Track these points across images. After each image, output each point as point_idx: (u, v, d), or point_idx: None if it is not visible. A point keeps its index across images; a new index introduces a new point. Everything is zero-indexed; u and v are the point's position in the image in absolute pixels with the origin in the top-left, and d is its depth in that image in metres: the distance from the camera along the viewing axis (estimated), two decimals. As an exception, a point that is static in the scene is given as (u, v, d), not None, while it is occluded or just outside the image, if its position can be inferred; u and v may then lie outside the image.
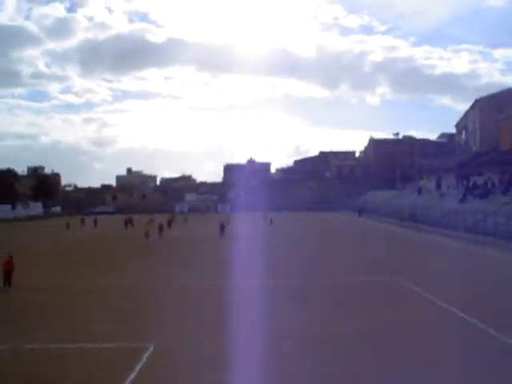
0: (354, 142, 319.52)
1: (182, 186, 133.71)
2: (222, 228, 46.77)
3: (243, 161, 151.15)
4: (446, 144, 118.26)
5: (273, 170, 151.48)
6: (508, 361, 11.49)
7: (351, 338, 13.60)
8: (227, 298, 19.02)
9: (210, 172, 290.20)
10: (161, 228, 47.28)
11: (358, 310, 16.84)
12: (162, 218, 56.77)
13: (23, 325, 15.61)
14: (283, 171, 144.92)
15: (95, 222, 64.26)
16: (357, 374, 10.89)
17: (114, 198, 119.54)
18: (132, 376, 10.92)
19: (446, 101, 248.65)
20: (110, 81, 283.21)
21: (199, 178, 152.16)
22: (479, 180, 54.64)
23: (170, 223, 56.01)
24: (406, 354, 12.20)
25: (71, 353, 12.79)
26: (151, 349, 12.79)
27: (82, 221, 66.09)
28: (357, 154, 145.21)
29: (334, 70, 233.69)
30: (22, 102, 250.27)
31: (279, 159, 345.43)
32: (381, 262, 27.94)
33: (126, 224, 58.12)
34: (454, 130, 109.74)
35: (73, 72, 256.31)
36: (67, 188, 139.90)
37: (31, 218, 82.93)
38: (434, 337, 13.54)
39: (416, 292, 19.63)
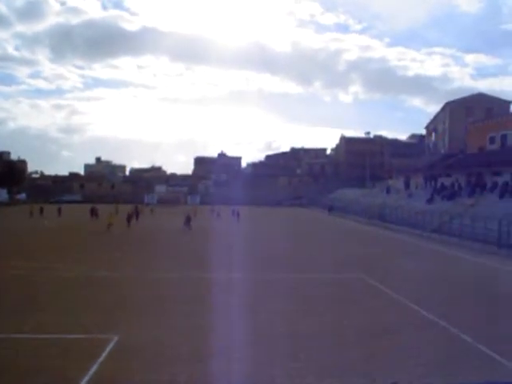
0: (326, 139, 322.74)
1: (151, 176, 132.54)
2: (188, 220, 46.51)
3: (215, 154, 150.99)
4: (415, 145, 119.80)
5: (244, 164, 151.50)
6: (466, 358, 11.64)
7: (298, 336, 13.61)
8: (190, 290, 18.98)
9: (180, 164, 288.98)
10: (129, 219, 46.80)
11: (317, 306, 16.93)
12: (129, 209, 56.00)
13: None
14: (254, 166, 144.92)
15: (59, 210, 61.37)
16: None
17: (82, 186, 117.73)
18: (94, 367, 10.79)
19: (417, 102, 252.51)
20: (81, 67, 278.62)
21: (169, 169, 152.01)
22: (447, 181, 55.59)
23: (137, 214, 54.54)
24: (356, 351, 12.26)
25: (33, 343, 12.57)
26: (115, 339, 12.66)
27: (41, 210, 61.57)
28: (328, 152, 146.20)
29: (309, 67, 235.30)
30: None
31: (251, 154, 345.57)
32: (346, 259, 28.14)
33: (92, 214, 55.76)
34: (424, 132, 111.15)
35: (43, 56, 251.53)
36: (34, 175, 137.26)
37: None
38: (392, 334, 13.69)
39: (378, 289, 19.82)
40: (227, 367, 10.95)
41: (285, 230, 46.56)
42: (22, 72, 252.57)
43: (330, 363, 11.31)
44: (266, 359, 11.46)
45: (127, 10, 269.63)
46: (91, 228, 45.41)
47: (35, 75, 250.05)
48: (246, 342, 12.68)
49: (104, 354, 11.62)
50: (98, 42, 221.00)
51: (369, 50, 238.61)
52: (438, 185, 56.74)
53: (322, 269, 24.85)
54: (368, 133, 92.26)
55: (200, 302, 17.18)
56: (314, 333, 13.69)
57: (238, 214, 59.92)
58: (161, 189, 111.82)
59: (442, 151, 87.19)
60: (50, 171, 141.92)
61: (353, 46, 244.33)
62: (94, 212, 56.32)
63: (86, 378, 10.19)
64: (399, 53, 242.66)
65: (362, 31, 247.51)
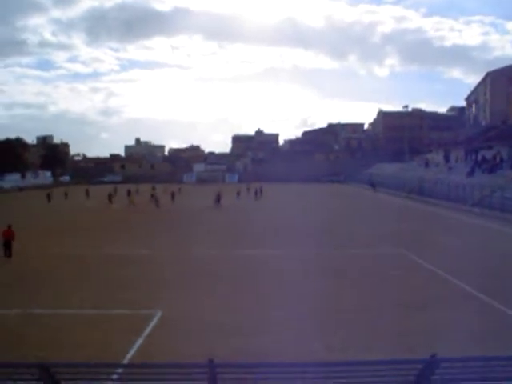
0: (363, 114, 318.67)
1: (190, 156, 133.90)
2: (218, 199, 47.48)
3: (251, 132, 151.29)
4: (455, 117, 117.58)
5: (281, 141, 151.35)
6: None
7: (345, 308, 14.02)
8: (235, 266, 19.65)
9: (218, 142, 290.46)
10: (157, 199, 48.11)
11: (359, 281, 17.25)
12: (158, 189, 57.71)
13: (33, 291, 16.02)
14: (291, 143, 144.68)
15: (87, 192, 61.88)
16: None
17: (123, 167, 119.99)
18: (139, 341, 11.33)
19: (456, 73, 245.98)
20: (116, 50, 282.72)
21: (207, 148, 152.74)
22: (488, 154, 54.52)
23: (172, 194, 54.69)
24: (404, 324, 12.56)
25: (81, 319, 13.22)
26: (159, 314, 13.22)
27: (66, 194, 60.98)
28: (365, 127, 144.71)
29: (343, 41, 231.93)
30: (30, 71, 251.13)
31: (287, 131, 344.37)
32: (386, 234, 28.17)
33: (110, 198, 52.39)
34: (464, 104, 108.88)
35: (79, 41, 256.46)
36: (76, 157, 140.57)
37: (41, 187, 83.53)
38: (435, 308, 13.87)
39: (418, 263, 19.98)
40: (268, 341, 11.22)
41: (324, 206, 46.77)
42: (59, 57, 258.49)
43: (370, 337, 11.54)
44: (308, 333, 11.76)
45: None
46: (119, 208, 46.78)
47: (73, 59, 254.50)
48: (287, 317, 12.95)
49: (149, 328, 12.15)
50: (132, 23, 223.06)
51: (404, 21, 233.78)
52: (479, 158, 55.72)
53: (363, 244, 24.97)
54: (406, 106, 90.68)
55: (241, 279, 17.69)
56: (356, 307, 13.96)
57: (261, 192, 60.47)
58: (199, 168, 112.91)
59: (483, 123, 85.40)
60: (91, 153, 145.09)
61: (387, 18, 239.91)
62: (112, 194, 54.62)
63: (132, 351, 10.70)
64: (436, 23, 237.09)
65: (397, 2, 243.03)
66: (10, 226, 21.42)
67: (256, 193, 59.11)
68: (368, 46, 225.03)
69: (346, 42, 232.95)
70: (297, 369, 4.19)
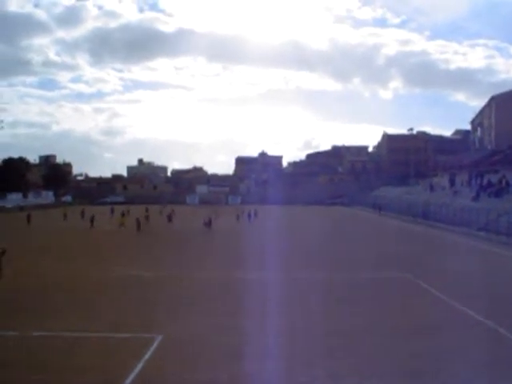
0: (367, 136, 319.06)
1: (193, 177, 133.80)
2: (209, 222, 46.44)
3: (255, 153, 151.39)
4: (460, 141, 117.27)
5: (284, 163, 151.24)
6: None
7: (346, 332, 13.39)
8: (231, 290, 19.06)
9: (221, 164, 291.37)
10: (138, 222, 45.14)
11: (363, 305, 16.70)
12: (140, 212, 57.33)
13: (32, 313, 15.53)
14: (295, 165, 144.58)
15: (82, 213, 59.25)
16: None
17: (125, 188, 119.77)
18: (139, 365, 10.86)
19: (460, 97, 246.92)
20: (120, 70, 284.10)
21: (210, 169, 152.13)
22: (494, 178, 53.95)
23: (169, 216, 54.93)
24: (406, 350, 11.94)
25: (80, 341, 12.78)
26: (159, 338, 12.76)
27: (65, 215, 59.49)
28: (370, 149, 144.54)
29: (347, 63, 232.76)
30: (33, 91, 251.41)
31: (290, 153, 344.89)
32: (391, 258, 27.57)
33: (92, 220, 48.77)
34: (468, 127, 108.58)
35: (83, 61, 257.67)
36: (78, 177, 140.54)
37: (42, 207, 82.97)
38: (438, 334, 13.33)
39: (424, 289, 19.44)
40: (267, 367, 10.84)
41: (328, 230, 46.22)
42: (63, 77, 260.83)
43: (374, 363, 11.10)
44: (307, 359, 11.29)
45: (163, 11, 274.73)
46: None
47: (76, 79, 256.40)
48: (286, 342, 12.56)
49: (149, 353, 11.70)
50: (136, 44, 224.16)
51: (408, 43, 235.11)
52: (485, 182, 55.12)
53: (367, 268, 24.44)
54: (411, 129, 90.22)
55: (241, 301, 17.13)
56: (359, 331, 13.51)
57: (255, 215, 59.28)
58: (202, 189, 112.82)
59: (489, 147, 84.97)
60: (93, 173, 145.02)
61: (391, 41, 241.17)
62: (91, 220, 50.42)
63: (132, 376, 10.24)
64: (440, 46, 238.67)
65: (401, 25, 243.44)
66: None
67: (249, 215, 57.75)
68: (372, 68, 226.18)
69: (350, 64, 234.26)
70: None
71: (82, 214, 58.93)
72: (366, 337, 13.09)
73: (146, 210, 58.97)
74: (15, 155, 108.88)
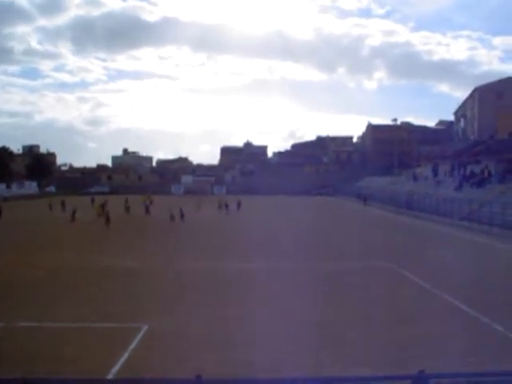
0: (352, 127, 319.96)
1: (178, 167, 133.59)
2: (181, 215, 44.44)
3: (240, 143, 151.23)
4: (444, 131, 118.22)
5: (270, 153, 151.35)
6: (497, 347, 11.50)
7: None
8: (217, 280, 19.26)
9: (206, 154, 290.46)
10: (107, 215, 41.15)
11: (346, 294, 16.94)
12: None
13: (17, 304, 15.58)
14: (280, 155, 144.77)
15: (62, 204, 58.29)
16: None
17: (110, 178, 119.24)
18: (125, 355, 11.02)
19: (444, 88, 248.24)
20: (104, 60, 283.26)
21: (195, 159, 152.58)
22: (476, 168, 54.62)
23: (147, 207, 52.80)
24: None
25: (66, 331, 12.87)
26: (145, 328, 12.88)
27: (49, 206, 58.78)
28: (354, 140, 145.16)
29: (332, 54, 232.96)
30: (15, 80, 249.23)
31: (275, 143, 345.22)
32: (374, 248, 27.87)
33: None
34: (452, 118, 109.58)
35: (66, 50, 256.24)
36: (62, 167, 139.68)
37: (26, 197, 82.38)
38: (420, 322, 13.60)
39: (406, 277, 19.73)
40: (253, 356, 10.97)
41: (313, 220, 46.46)
42: (46, 66, 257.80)
43: (358, 352, 11.28)
44: (292, 349, 11.42)
45: (146, 0, 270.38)
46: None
47: (59, 68, 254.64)
48: (272, 332, 12.71)
49: (135, 343, 11.85)
50: (119, 33, 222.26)
51: (393, 34, 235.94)
52: (467, 172, 55.79)
53: (350, 257, 24.67)
54: (395, 120, 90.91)
55: (229, 292, 17.34)
56: (343, 322, 13.75)
57: (238, 206, 57.49)
58: (187, 179, 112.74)
59: (472, 137, 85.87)
60: (78, 163, 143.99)
61: (376, 31, 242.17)
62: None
63: (118, 366, 10.38)
64: (424, 37, 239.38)
65: (385, 16, 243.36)
66: None
67: (226, 206, 55.57)
68: (357, 59, 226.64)
69: (334, 54, 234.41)
70: None
71: (63, 204, 57.72)
72: (349, 326, 13.31)
73: (126, 201, 56.90)
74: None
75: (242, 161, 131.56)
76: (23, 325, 13.29)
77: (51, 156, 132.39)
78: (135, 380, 3.65)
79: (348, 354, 11.20)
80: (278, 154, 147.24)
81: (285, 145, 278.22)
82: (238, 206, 56.98)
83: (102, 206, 50.87)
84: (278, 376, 9.22)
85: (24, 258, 23.93)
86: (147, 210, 51.60)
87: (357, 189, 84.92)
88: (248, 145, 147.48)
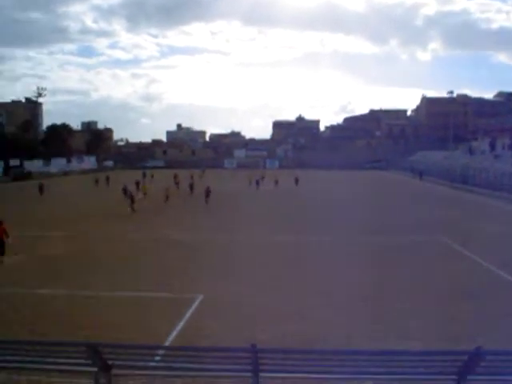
0: (405, 100, 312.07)
1: (231, 142, 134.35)
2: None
3: (291, 117, 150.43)
4: (502, 103, 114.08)
5: (322, 127, 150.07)
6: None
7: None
8: (270, 253, 19.76)
9: (258, 128, 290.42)
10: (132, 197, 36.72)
11: (400, 268, 17.06)
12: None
13: (79, 274, 16.51)
14: (332, 129, 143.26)
15: (107, 179, 58.73)
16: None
17: (164, 152, 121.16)
18: (181, 323, 11.54)
19: (503, 57, 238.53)
20: (156, 36, 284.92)
21: (248, 134, 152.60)
22: (537, 141, 52.86)
23: (191, 185, 47.75)
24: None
25: (124, 300, 13.57)
26: (200, 298, 13.42)
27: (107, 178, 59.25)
28: (408, 113, 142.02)
29: (384, 25, 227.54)
30: (72, 58, 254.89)
31: (327, 117, 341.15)
32: (429, 222, 27.74)
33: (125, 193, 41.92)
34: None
35: (120, 27, 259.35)
36: (119, 143, 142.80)
37: (85, 172, 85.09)
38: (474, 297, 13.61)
39: (460, 252, 19.70)
40: (305, 328, 11.28)
41: (369, 195, 46.17)
42: (101, 43, 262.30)
43: (412, 326, 11.41)
44: (347, 322, 11.71)
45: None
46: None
47: (113, 46, 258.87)
48: (326, 304, 13.00)
49: (190, 312, 12.36)
50: (171, 9, 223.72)
51: (448, 3, 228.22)
52: (527, 145, 54.11)
53: (406, 231, 24.71)
54: (451, 92, 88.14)
55: (283, 265, 17.76)
56: (397, 295, 13.92)
57: (276, 182, 54.93)
58: (240, 154, 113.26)
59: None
60: (133, 139, 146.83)
61: (430, 0, 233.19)
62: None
63: (174, 333, 10.89)
64: (482, 4, 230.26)
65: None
66: (1, 223, 18.43)
67: (258, 182, 53.28)
68: (410, 29, 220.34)
69: (387, 25, 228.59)
70: (338, 356, 4.15)
71: (107, 179, 58.14)
72: (401, 299, 13.45)
73: (175, 177, 55.98)
74: (57, 122, 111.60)
75: (294, 135, 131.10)
76: (82, 293, 14.03)
77: (108, 132, 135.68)
78: (192, 348, 4.05)
79: (401, 327, 11.34)
80: (330, 128, 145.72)
81: (337, 119, 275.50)
82: (295, 182, 55.75)
83: (176, 183, 51.91)
84: (331, 347, 9.11)
85: (76, 230, 25.33)
86: (191, 188, 46.54)
87: (410, 163, 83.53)
88: (300, 119, 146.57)
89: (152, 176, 64.06)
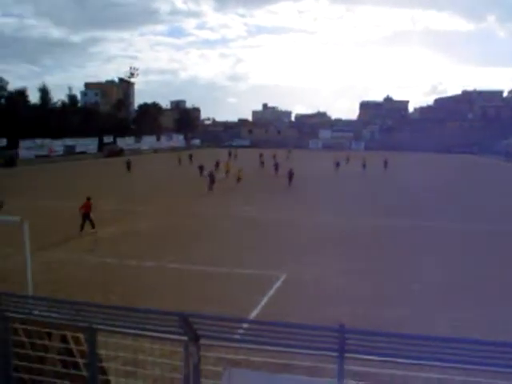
0: (501, 80, 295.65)
1: (316, 122, 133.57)
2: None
3: (378, 98, 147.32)
4: None
5: (410, 108, 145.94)
6: None
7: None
8: (353, 234, 19.59)
9: (345, 109, 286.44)
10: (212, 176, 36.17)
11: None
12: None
13: (168, 248, 17.27)
14: (422, 110, 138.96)
15: (190, 157, 59.92)
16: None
17: (250, 132, 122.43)
18: (264, 300, 11.75)
19: None
20: (243, 15, 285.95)
21: (334, 114, 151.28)
22: None
23: (276, 165, 46.10)
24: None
25: (210, 275, 13.93)
26: (283, 277, 13.57)
27: (190, 157, 60.45)
28: (504, 94, 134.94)
29: (480, 1, 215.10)
30: (163, 39, 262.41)
31: (416, 97, 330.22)
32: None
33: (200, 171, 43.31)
34: None
35: (208, 7, 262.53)
36: (206, 122, 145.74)
37: (173, 149, 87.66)
38: None
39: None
40: (391, 311, 11.08)
41: (465, 179, 44.60)
42: (189, 24, 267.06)
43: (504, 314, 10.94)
44: (428, 307, 11.47)
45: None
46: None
47: (202, 26, 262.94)
48: (424, 289, 12.77)
49: (273, 290, 12.54)
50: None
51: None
52: None
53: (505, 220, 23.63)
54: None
55: (369, 245, 17.64)
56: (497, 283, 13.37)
57: (386, 163, 53.86)
58: (325, 134, 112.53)
59: None
60: (219, 118, 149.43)
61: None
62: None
63: (257, 310, 11.09)
64: None
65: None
66: (89, 198, 19.80)
67: (338, 163, 52.27)
68: (508, 4, 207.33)
69: (483, 1, 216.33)
70: (436, 343, 3.96)
71: (191, 158, 59.42)
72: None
73: (261, 156, 57.29)
74: (148, 101, 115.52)
75: (382, 116, 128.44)
76: (170, 266, 14.66)
77: (196, 111, 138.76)
78: (279, 324, 4.13)
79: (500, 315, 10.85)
80: (420, 110, 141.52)
81: (426, 99, 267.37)
82: (384, 165, 53.65)
83: (261, 162, 52.98)
84: (419, 333, 9.06)
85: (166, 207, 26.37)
86: (276, 169, 45.17)
87: (505, 147, 79.50)
88: (388, 100, 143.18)
89: (235, 156, 65.06)
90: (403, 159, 69.12)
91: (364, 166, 52.10)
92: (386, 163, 53.86)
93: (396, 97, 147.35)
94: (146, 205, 26.74)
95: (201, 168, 42.98)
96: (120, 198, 29.13)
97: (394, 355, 3.83)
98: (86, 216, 19.25)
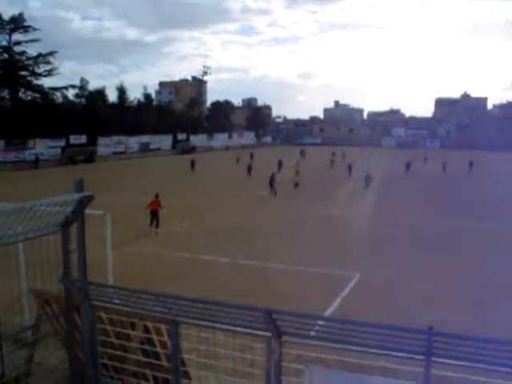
0: None
1: (389, 120, 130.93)
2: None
3: (455, 95, 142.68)
4: None
5: (490, 105, 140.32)
6: None
7: None
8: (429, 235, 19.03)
9: (419, 106, 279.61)
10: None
11: None
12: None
13: (243, 245, 17.40)
14: (502, 107, 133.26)
15: (251, 156, 56.09)
16: None
17: (321, 130, 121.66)
18: (338, 300, 11.69)
19: None
20: (314, 12, 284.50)
21: (407, 112, 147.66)
22: None
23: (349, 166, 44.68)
24: None
25: (283, 273, 13.97)
26: (357, 277, 13.45)
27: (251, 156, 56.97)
28: None
29: None
30: (234, 37, 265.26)
31: (495, 94, 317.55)
32: None
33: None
34: None
35: (278, 4, 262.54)
36: (277, 119, 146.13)
37: (244, 147, 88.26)
38: None
39: None
40: (459, 315, 10.71)
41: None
42: (260, 22, 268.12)
43: None
44: (457, 305, 11.29)
45: None
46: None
47: (272, 24, 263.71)
48: (489, 294, 12.38)
49: (347, 290, 12.45)
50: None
51: None
52: None
53: None
54: None
55: (441, 247, 17.25)
56: None
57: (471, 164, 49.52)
58: (398, 132, 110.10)
59: None
60: (289, 115, 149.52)
61: None
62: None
63: (331, 309, 11.04)
64: None
65: None
66: (157, 196, 20.13)
67: (408, 164, 48.20)
68: None
69: None
70: None
71: (252, 156, 55.17)
72: None
73: (333, 154, 55.81)
74: (220, 99, 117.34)
75: (458, 113, 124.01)
76: (243, 263, 14.84)
77: (267, 108, 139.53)
78: (362, 324, 4.05)
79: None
80: (499, 107, 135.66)
81: (507, 96, 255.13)
82: (470, 166, 49.15)
83: (332, 161, 52.31)
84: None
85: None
86: (349, 170, 43.96)
87: None
88: (465, 96, 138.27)
89: (305, 154, 64.81)
90: (486, 159, 64.53)
91: (444, 166, 48.42)
92: (471, 164, 49.33)
93: (474, 93, 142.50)
94: (214, 202, 27.14)
95: (249, 168, 42.31)
96: (190, 195, 29.69)
97: (487, 362, 3.65)
98: (154, 213, 19.53)
